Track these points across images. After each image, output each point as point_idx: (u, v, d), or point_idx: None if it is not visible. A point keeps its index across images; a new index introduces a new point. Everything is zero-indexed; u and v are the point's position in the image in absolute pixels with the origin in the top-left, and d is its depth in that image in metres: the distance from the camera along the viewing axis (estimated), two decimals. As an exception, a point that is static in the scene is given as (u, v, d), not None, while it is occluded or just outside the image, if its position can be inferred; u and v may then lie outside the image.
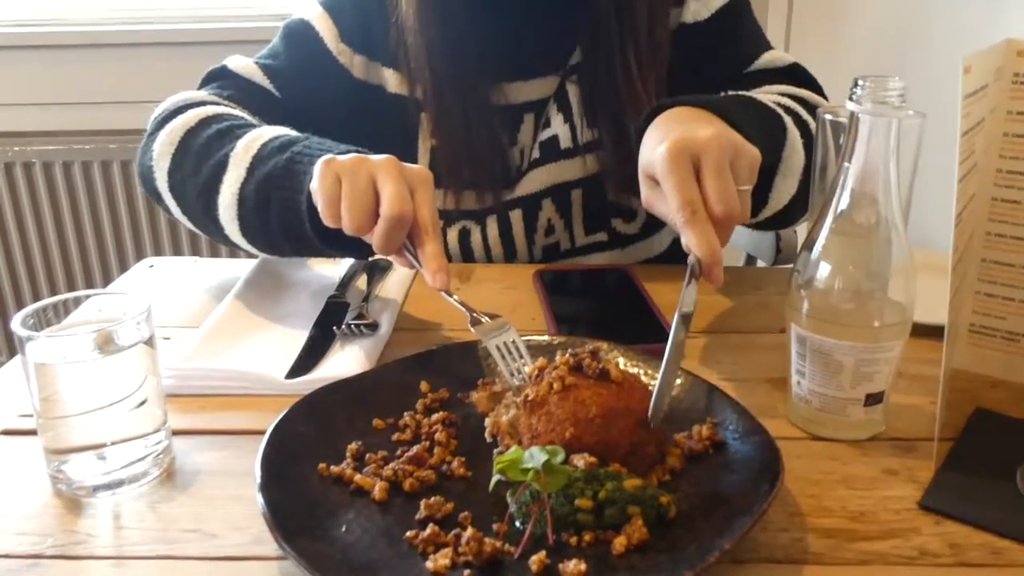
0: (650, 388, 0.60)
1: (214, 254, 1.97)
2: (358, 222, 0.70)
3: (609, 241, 1.07)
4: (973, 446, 0.63)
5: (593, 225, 1.06)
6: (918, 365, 0.74)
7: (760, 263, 1.31)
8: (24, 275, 2.10)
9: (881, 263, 0.64)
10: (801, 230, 1.21)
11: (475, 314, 0.71)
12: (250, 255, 0.92)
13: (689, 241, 0.66)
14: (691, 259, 0.67)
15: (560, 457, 0.53)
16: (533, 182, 1.02)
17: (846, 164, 0.62)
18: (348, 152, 0.75)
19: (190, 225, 0.91)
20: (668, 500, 0.53)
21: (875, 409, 0.65)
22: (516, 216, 1.03)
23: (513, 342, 0.69)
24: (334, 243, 0.77)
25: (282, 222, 0.79)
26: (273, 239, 0.82)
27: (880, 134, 0.60)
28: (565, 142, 1.02)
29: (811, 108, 0.94)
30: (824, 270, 0.64)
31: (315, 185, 0.73)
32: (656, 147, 0.69)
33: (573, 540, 0.51)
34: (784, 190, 0.88)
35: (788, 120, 0.88)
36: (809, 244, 0.65)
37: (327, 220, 0.72)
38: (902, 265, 0.63)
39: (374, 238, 0.71)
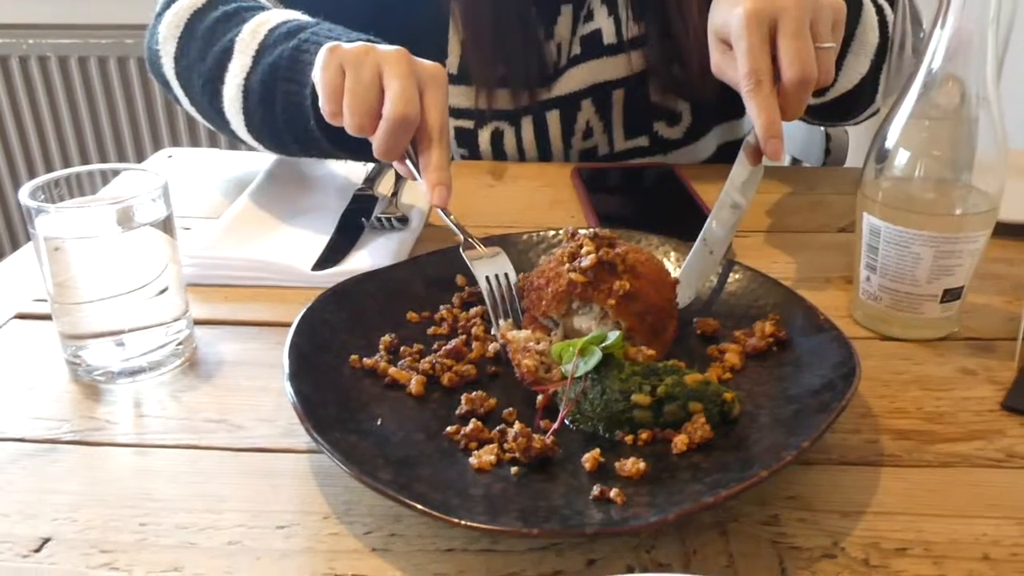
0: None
1: (233, 148, 1.92)
2: (359, 119, 0.63)
3: (650, 146, 1.00)
4: (1059, 348, 0.58)
5: (634, 128, 0.99)
6: (992, 264, 0.69)
7: (806, 165, 1.24)
8: (42, 171, 2.06)
9: (967, 147, 0.58)
10: (853, 130, 1.14)
11: (470, 239, 0.63)
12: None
13: (750, 111, 0.63)
14: (749, 136, 0.64)
15: (610, 340, 0.49)
16: (572, 80, 0.95)
17: (937, 31, 0.55)
18: (357, 40, 0.68)
19: (200, 118, 0.85)
20: (732, 397, 0.48)
21: (952, 306, 0.59)
22: (553, 117, 0.96)
23: (505, 274, 0.61)
24: (343, 143, 0.71)
25: (287, 118, 0.73)
26: (279, 136, 0.76)
27: (980, -4, 0.53)
28: (609, 37, 0.94)
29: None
30: (903, 155, 0.58)
31: (316, 75, 0.66)
32: (732, 8, 0.64)
33: (628, 439, 0.47)
34: (855, 69, 0.81)
35: None
36: (886, 127, 0.59)
37: (327, 116, 0.65)
38: (991, 149, 0.57)
39: (374, 140, 0.64)
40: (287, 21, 0.76)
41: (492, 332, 0.58)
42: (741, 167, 0.65)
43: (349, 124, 0.64)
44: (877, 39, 0.81)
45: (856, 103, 0.86)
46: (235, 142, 0.85)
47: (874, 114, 0.91)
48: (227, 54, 0.76)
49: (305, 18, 0.78)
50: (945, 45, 0.55)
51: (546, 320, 0.56)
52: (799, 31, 0.62)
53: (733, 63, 0.64)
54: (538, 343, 0.53)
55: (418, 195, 0.83)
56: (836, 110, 0.89)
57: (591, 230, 0.57)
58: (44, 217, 0.52)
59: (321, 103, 0.66)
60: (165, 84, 0.86)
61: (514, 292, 0.60)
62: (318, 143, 0.73)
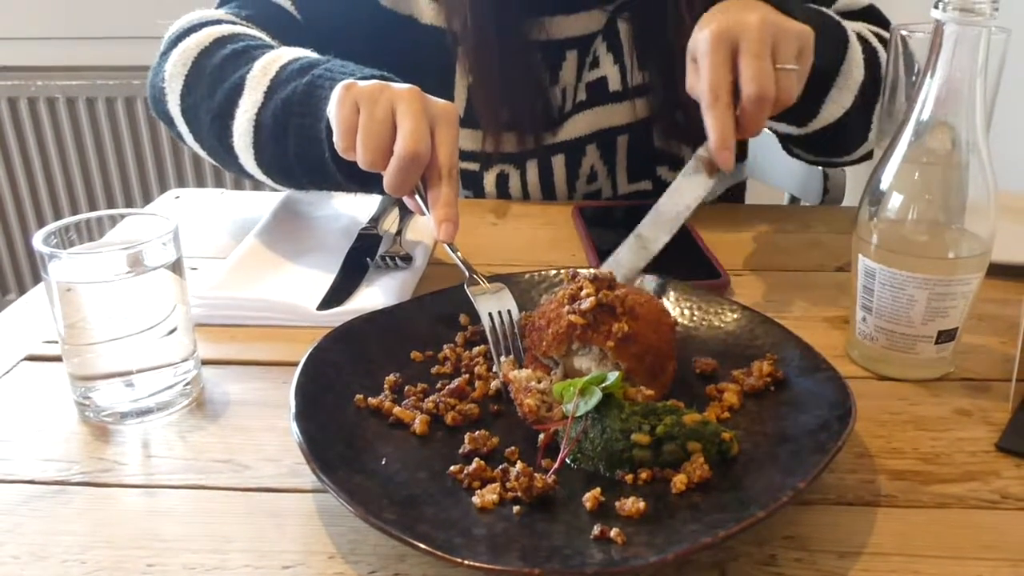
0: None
1: (238, 187, 1.93)
2: (372, 155, 0.65)
3: (653, 190, 1.01)
4: (1053, 388, 0.59)
5: (637, 172, 1.01)
6: (986, 305, 0.70)
7: (804, 204, 1.25)
8: (49, 211, 2.08)
9: (959, 191, 0.59)
10: (851, 169, 1.16)
11: (474, 275, 0.65)
12: (273, 188, 0.88)
13: (706, 123, 0.68)
14: (701, 149, 0.70)
15: (609, 380, 0.50)
16: (578, 125, 0.97)
17: (927, 79, 0.57)
18: (371, 77, 0.70)
19: (203, 154, 0.87)
20: (731, 436, 0.49)
21: (946, 347, 0.60)
22: (558, 161, 0.98)
23: (508, 312, 0.62)
24: (355, 177, 0.72)
25: (300, 152, 0.74)
26: (290, 170, 0.77)
27: (967, 46, 0.55)
28: (614, 84, 0.96)
29: (883, 40, 0.88)
30: (896, 199, 0.59)
31: (332, 111, 0.68)
32: (701, 29, 0.70)
33: (628, 478, 0.48)
34: (838, 103, 0.83)
35: (852, 35, 0.84)
36: (880, 170, 0.60)
37: (341, 151, 0.67)
38: (982, 193, 0.58)
39: (385, 175, 0.65)
40: (298, 58, 0.78)
41: (494, 369, 0.59)
42: (696, 177, 0.70)
43: (362, 160, 0.65)
44: (863, 75, 0.83)
45: (844, 138, 0.88)
46: (241, 177, 0.87)
47: (869, 156, 0.92)
48: (237, 90, 0.78)
49: (315, 55, 0.80)
50: (935, 93, 0.57)
51: (547, 360, 0.57)
52: (759, 51, 0.67)
53: (700, 81, 0.69)
54: (539, 382, 0.54)
55: (422, 233, 0.85)
56: (824, 144, 0.91)
57: (591, 272, 0.58)
58: (57, 262, 0.54)
59: (335, 139, 0.67)
60: (169, 121, 0.87)
61: (516, 329, 0.61)
62: (331, 176, 0.74)
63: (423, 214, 0.67)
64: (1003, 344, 0.66)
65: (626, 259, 0.68)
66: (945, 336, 0.60)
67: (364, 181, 0.73)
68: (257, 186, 1.89)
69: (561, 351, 0.56)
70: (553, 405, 0.52)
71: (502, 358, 0.59)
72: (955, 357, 0.62)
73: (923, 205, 0.60)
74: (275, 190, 0.90)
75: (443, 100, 0.68)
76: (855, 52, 0.83)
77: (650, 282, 0.68)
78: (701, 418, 0.49)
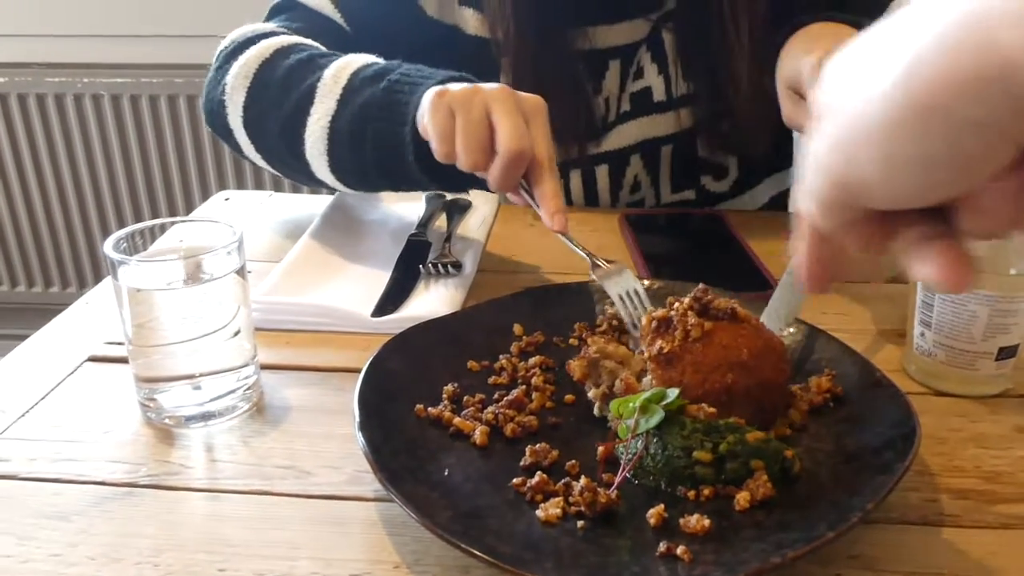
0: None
1: (277, 188, 1.95)
2: (474, 157, 0.66)
3: (697, 199, 1.01)
4: (1117, 408, 0.58)
5: (681, 183, 1.00)
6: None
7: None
8: (93, 208, 2.11)
9: None
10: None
11: (595, 258, 0.67)
12: (330, 190, 0.89)
13: None
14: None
15: (669, 399, 0.50)
16: (622, 136, 0.97)
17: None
18: (454, 79, 0.71)
19: (262, 163, 0.87)
20: (793, 454, 0.49)
21: (1007, 364, 0.60)
22: (602, 171, 0.98)
23: (635, 290, 0.64)
24: (439, 176, 0.73)
25: (379, 156, 0.75)
26: (367, 174, 0.78)
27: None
28: (659, 95, 0.96)
29: None
30: (957, 213, 0.59)
31: (427, 119, 0.69)
32: (803, 56, 0.67)
33: (691, 494, 0.48)
34: None
35: None
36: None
37: (441, 156, 0.68)
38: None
39: (491, 175, 0.67)
40: (370, 64, 0.78)
41: (632, 348, 0.60)
42: None
43: (464, 162, 0.67)
44: None
45: None
46: (307, 185, 0.88)
47: None
48: (308, 99, 0.78)
49: (384, 60, 0.80)
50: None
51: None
52: None
53: (806, 111, 0.65)
54: (610, 347, 0.56)
55: (470, 239, 0.85)
56: None
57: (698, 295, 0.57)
58: (126, 268, 0.55)
59: (434, 146, 0.69)
60: (227, 133, 0.87)
61: (646, 306, 0.63)
62: (413, 177, 0.75)
63: (531, 206, 0.69)
64: (1063, 361, 0.65)
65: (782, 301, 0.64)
66: (1006, 352, 0.59)
67: (447, 180, 0.75)
68: (295, 188, 1.89)
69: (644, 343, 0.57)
70: (602, 374, 0.55)
71: (637, 333, 0.60)
72: (1015, 373, 0.61)
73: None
74: (329, 191, 0.90)
75: (532, 95, 0.69)
76: None
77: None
78: (764, 436, 0.49)
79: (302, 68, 0.81)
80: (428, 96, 0.68)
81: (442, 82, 0.70)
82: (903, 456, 0.47)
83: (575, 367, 0.56)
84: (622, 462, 0.50)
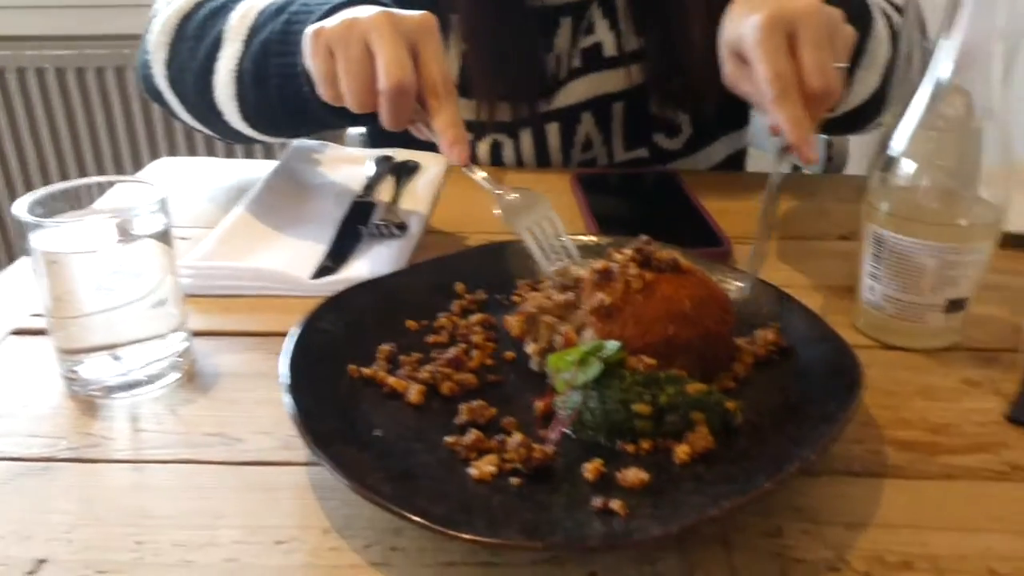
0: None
1: (230, 158, 1.91)
2: (360, 98, 0.62)
3: (650, 158, 0.99)
4: (1063, 356, 0.58)
5: (633, 140, 0.99)
6: (996, 275, 0.68)
7: (806, 172, 1.23)
8: (39, 182, 2.05)
9: (972, 159, 0.57)
10: (854, 138, 1.14)
11: (500, 191, 0.61)
12: (264, 144, 0.85)
13: (778, 118, 0.60)
14: (778, 141, 0.62)
15: (610, 351, 0.48)
16: (573, 93, 0.95)
17: (943, 42, 0.55)
18: (342, 6, 0.66)
19: (194, 123, 0.84)
20: (735, 406, 0.48)
21: (955, 316, 0.59)
22: (553, 129, 0.96)
23: (548, 220, 0.59)
24: (343, 113, 0.68)
25: (282, 94, 0.71)
26: (276, 116, 0.75)
27: (985, 6, 0.53)
28: (609, 50, 0.94)
29: (899, 9, 0.86)
30: (908, 165, 0.58)
31: (308, 63, 0.65)
32: (747, 18, 0.62)
33: (630, 448, 0.47)
34: (866, 84, 0.81)
35: (876, 11, 0.81)
36: (893, 136, 0.58)
37: (330, 100, 0.64)
38: (997, 160, 0.56)
39: (381, 116, 0.62)
40: (274, 1, 0.74)
41: (541, 266, 0.58)
42: (782, 170, 0.63)
43: (351, 103, 0.63)
44: (888, 53, 0.81)
45: (863, 118, 0.86)
46: (233, 143, 0.84)
47: (878, 125, 0.90)
48: (217, 45, 0.75)
49: None
50: (952, 56, 0.55)
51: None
52: (821, 42, 0.60)
53: (748, 75, 0.62)
54: (545, 309, 0.53)
55: (417, 201, 0.83)
56: (843, 125, 0.89)
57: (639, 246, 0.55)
58: (40, 232, 0.52)
59: (319, 91, 0.65)
60: (158, 96, 0.84)
61: (561, 234, 0.59)
62: (317, 116, 0.71)
63: (429, 140, 0.64)
64: (1012, 314, 0.65)
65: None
66: (955, 305, 0.58)
67: (353, 116, 0.70)
68: (249, 154, 1.86)
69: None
70: (541, 329, 0.52)
71: (552, 266, 0.57)
72: (963, 327, 0.61)
73: (936, 172, 0.58)
74: (267, 148, 0.87)
75: (418, 12, 0.64)
76: (880, 29, 0.80)
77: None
78: (704, 388, 0.48)
79: (215, 16, 0.77)
80: (307, 39, 0.64)
81: (332, 11, 0.66)
82: (845, 406, 0.46)
83: (513, 323, 0.54)
84: (559, 417, 0.48)
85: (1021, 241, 0.69)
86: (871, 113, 0.85)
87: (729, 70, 0.66)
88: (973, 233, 0.56)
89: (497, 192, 0.61)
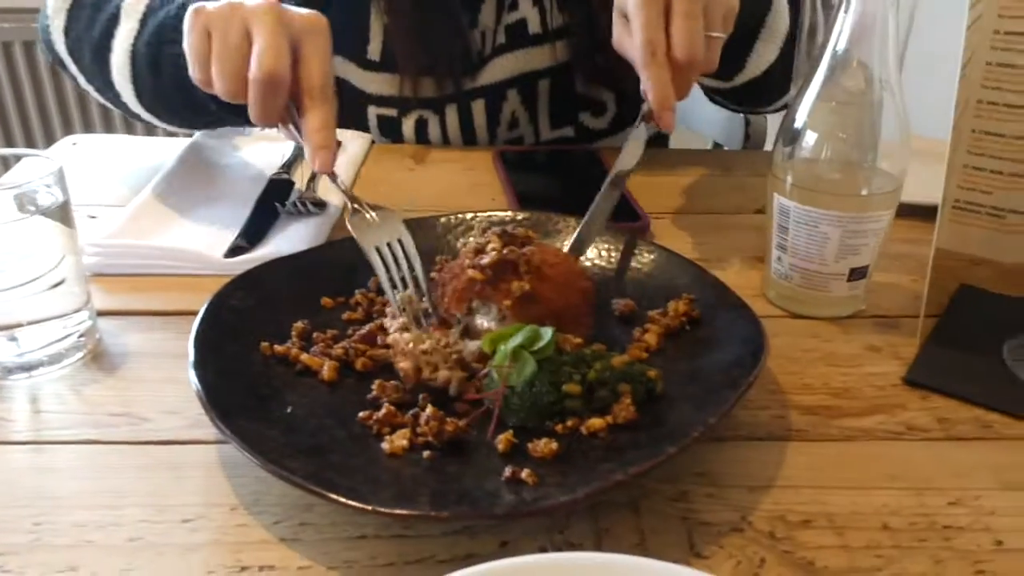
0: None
1: (149, 135, 1.85)
2: (230, 85, 0.59)
3: (576, 136, 1.00)
4: (958, 321, 0.61)
5: (560, 119, 0.99)
6: (897, 244, 0.71)
7: (726, 149, 1.26)
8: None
9: (871, 131, 0.59)
10: (772, 115, 1.16)
11: (357, 205, 0.59)
12: (168, 130, 0.83)
13: (644, 82, 0.63)
14: (644, 106, 0.65)
15: (543, 341, 0.48)
16: (497, 70, 0.94)
17: (842, 15, 0.56)
18: None
19: (98, 97, 0.81)
20: (656, 374, 0.49)
21: (858, 285, 0.61)
22: (478, 107, 0.95)
23: (399, 241, 0.57)
24: (233, 108, 0.65)
25: (176, 83, 0.68)
26: (169, 103, 0.72)
27: (881, -20, 0.55)
28: (534, 27, 0.94)
29: None
30: (810, 137, 0.59)
31: (184, 41, 0.62)
32: None
33: (559, 428, 0.47)
34: (764, 55, 0.82)
35: None
36: (795, 110, 0.60)
37: (199, 83, 0.62)
38: (894, 132, 0.58)
39: (248, 105, 0.59)
40: None
41: (388, 309, 0.56)
42: (633, 143, 0.67)
43: (220, 90, 0.60)
44: (787, 27, 0.82)
45: (766, 90, 0.88)
46: (136, 120, 0.82)
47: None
48: (114, 20, 0.72)
49: None
50: (849, 28, 0.57)
51: (450, 317, 0.55)
52: (692, 12, 0.62)
53: (631, 37, 0.64)
54: (423, 343, 0.51)
55: (340, 172, 0.81)
56: (747, 96, 0.90)
57: (501, 228, 0.56)
58: (-74, 205, 0.50)
59: (191, 71, 0.62)
60: (60, 62, 0.81)
61: (411, 260, 0.57)
62: (210, 110, 0.69)
63: (299, 143, 0.61)
64: (913, 282, 0.67)
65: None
66: (857, 274, 0.60)
67: (239, 110, 0.66)
68: (169, 131, 1.79)
69: (462, 308, 0.54)
70: (438, 366, 0.50)
71: (398, 293, 0.55)
72: (867, 295, 0.63)
73: (836, 144, 0.60)
74: (172, 133, 0.85)
75: (308, 10, 0.61)
76: (780, 3, 0.82)
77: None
78: (627, 359, 0.49)
79: None
80: (187, 15, 0.61)
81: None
82: (748, 373, 0.47)
83: (402, 370, 0.51)
84: (485, 401, 0.48)
85: (918, 210, 0.71)
86: (773, 86, 0.87)
87: (616, 32, 0.68)
88: (873, 203, 0.58)
89: (353, 206, 0.59)
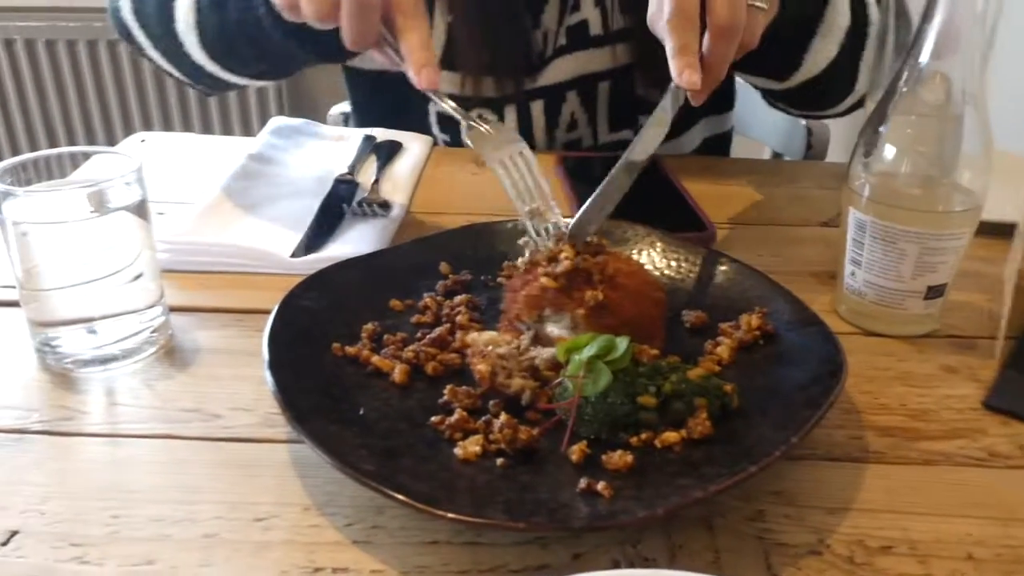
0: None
1: (207, 133, 1.88)
2: (318, 7, 0.56)
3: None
4: (1040, 346, 0.59)
5: (619, 122, 0.98)
6: (970, 262, 0.69)
7: (786, 159, 1.24)
8: (8, 155, 2.01)
9: (952, 144, 0.58)
10: (835, 125, 1.14)
11: (470, 119, 0.57)
12: (247, 128, 0.84)
13: (667, 43, 0.57)
14: (670, 85, 0.59)
15: (618, 352, 0.47)
16: (558, 71, 0.94)
17: (924, 26, 0.55)
18: None
19: (162, 61, 0.82)
20: (732, 389, 0.48)
21: (934, 303, 0.60)
22: (537, 107, 0.95)
23: (521, 154, 0.55)
24: (301, 37, 0.64)
25: (240, 18, 0.68)
26: (233, 43, 0.72)
27: (968, -9, 0.53)
28: (595, 28, 0.93)
29: None
30: (889, 151, 0.58)
31: None
32: None
33: (634, 440, 0.46)
34: (822, 52, 0.80)
35: None
36: (873, 122, 0.58)
37: (285, 9, 0.60)
38: (977, 147, 0.57)
39: (342, 28, 0.57)
40: None
41: (521, 220, 0.55)
42: (653, 129, 0.60)
43: (309, 12, 0.58)
44: (847, 23, 0.80)
45: (827, 90, 0.86)
46: (201, 88, 0.81)
47: (858, 105, 0.90)
48: None
49: None
50: (932, 40, 0.55)
51: (520, 324, 0.54)
52: None
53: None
54: (499, 347, 0.51)
55: (400, 181, 0.82)
56: (807, 98, 0.88)
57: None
58: (12, 201, 0.51)
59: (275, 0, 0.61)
60: (127, 34, 0.83)
61: (535, 173, 0.55)
62: (276, 42, 0.67)
63: (398, 66, 0.59)
64: (989, 302, 0.65)
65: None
66: (934, 292, 0.59)
67: (311, 42, 0.66)
68: (227, 130, 1.83)
69: (533, 316, 0.53)
70: (512, 373, 0.49)
71: (525, 207, 0.54)
72: (942, 314, 0.61)
73: (916, 158, 0.58)
74: (246, 125, 0.86)
75: None
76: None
77: None
78: (703, 372, 0.48)
79: None
80: None
81: None
82: (828, 392, 0.46)
83: (479, 371, 0.50)
84: (558, 411, 0.47)
85: (997, 229, 0.69)
86: (835, 86, 0.85)
87: (651, 11, 0.63)
88: (954, 220, 0.57)
89: (469, 122, 0.57)
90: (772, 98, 0.93)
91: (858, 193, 0.59)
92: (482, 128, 0.57)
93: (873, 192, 0.58)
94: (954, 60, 0.55)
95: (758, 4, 0.61)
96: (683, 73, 0.56)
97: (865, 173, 0.59)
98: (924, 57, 0.56)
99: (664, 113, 0.59)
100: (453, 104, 0.58)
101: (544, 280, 0.52)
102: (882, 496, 0.46)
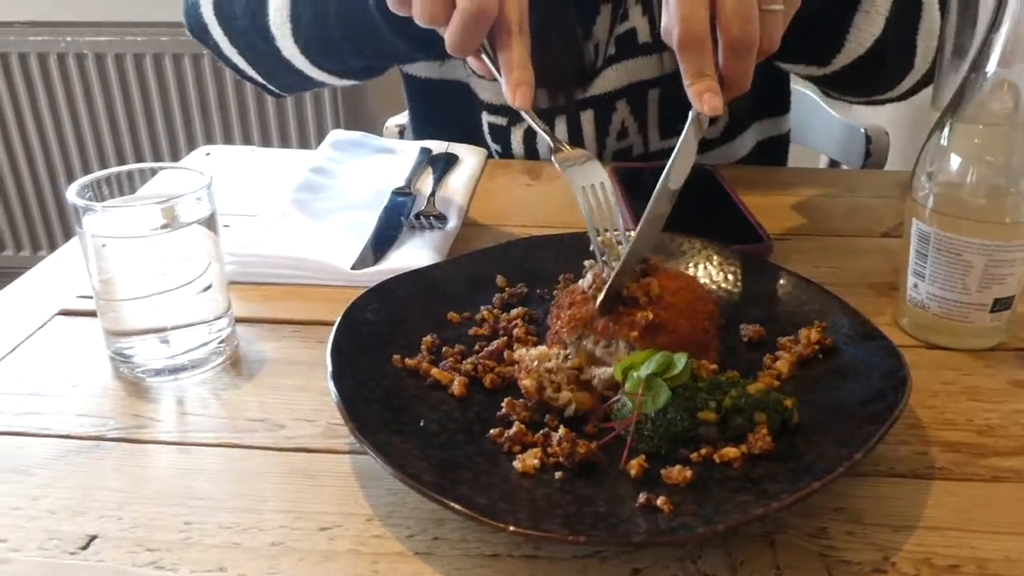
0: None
1: (267, 146, 1.92)
2: (431, 10, 0.57)
3: None
4: (1114, 360, 0.57)
5: (669, 129, 0.98)
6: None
7: (844, 168, 1.22)
8: (79, 170, 2.08)
9: (1021, 153, 0.56)
10: (895, 133, 1.12)
11: (559, 143, 0.57)
12: (304, 142, 0.86)
13: (680, 64, 0.54)
14: (692, 110, 0.55)
15: (677, 369, 0.47)
16: (608, 80, 0.94)
17: (991, 34, 0.54)
18: None
19: (238, 60, 0.84)
20: (792, 404, 0.47)
21: (1001, 316, 0.58)
22: (587, 117, 0.95)
23: (601, 183, 0.55)
24: (405, 31, 0.65)
25: (340, 9, 0.69)
26: (330, 37, 0.73)
27: (1038, -2, 0.52)
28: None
29: None
30: (954, 161, 0.57)
31: None
32: None
33: (694, 456, 0.46)
34: (866, 30, 0.76)
35: None
36: (937, 131, 0.58)
37: (395, 6, 0.61)
38: (1046, 157, 0.55)
39: (447, 34, 0.57)
40: None
41: (591, 249, 0.55)
42: (684, 153, 0.56)
43: (419, 12, 0.58)
44: None
45: (877, 73, 0.83)
46: (274, 91, 0.82)
47: (921, 85, 0.86)
48: None
49: None
50: (1000, 48, 0.54)
51: (560, 343, 0.54)
52: None
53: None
54: (548, 360, 0.51)
55: (455, 193, 0.83)
56: (856, 82, 0.85)
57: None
58: (91, 216, 0.53)
59: None
60: (203, 32, 0.85)
61: (612, 203, 0.56)
62: (376, 33, 0.68)
63: (493, 77, 0.59)
64: (1059, 314, 0.63)
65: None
66: (1001, 304, 0.57)
67: (416, 38, 0.67)
68: (286, 143, 1.86)
69: (573, 336, 0.53)
70: (560, 386, 0.50)
71: (599, 237, 0.54)
72: (1010, 326, 0.60)
73: (982, 167, 0.57)
74: (303, 139, 0.88)
75: None
76: None
77: None
78: (763, 387, 0.48)
79: None
80: None
81: None
82: (892, 407, 0.46)
83: (525, 387, 0.51)
84: (616, 424, 0.48)
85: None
86: (888, 66, 0.82)
87: (664, 23, 0.58)
88: (1021, 231, 0.55)
89: (559, 145, 0.57)
90: (823, 87, 0.91)
91: (921, 204, 0.58)
92: (569, 151, 0.57)
93: (937, 203, 0.57)
94: (1022, 68, 0.54)
95: (773, 7, 0.56)
96: (702, 99, 0.54)
97: (929, 184, 0.58)
98: (991, 66, 0.55)
99: (689, 143, 0.56)
100: (544, 125, 0.59)
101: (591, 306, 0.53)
102: (949, 514, 0.45)
